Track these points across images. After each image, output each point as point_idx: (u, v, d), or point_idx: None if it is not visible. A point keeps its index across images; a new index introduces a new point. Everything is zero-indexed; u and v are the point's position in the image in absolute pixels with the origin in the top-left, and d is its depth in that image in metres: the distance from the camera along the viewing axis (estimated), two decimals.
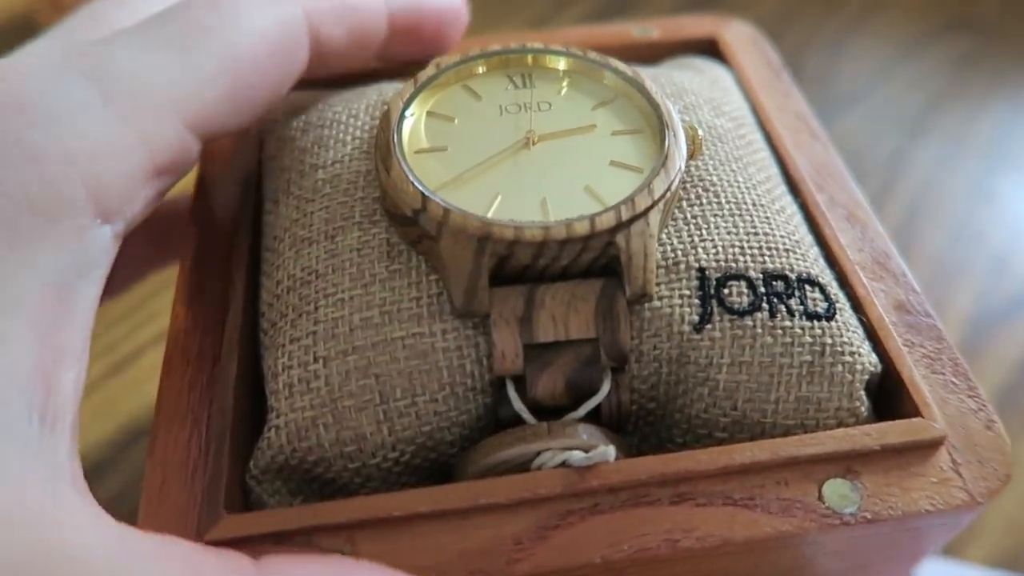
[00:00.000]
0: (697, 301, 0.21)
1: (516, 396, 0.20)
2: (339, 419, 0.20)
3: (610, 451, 0.19)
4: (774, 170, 0.25)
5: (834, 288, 0.22)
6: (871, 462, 0.20)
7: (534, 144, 0.22)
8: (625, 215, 0.20)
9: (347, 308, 0.21)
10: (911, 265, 0.48)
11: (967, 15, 0.54)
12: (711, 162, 0.23)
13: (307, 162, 0.24)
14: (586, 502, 0.19)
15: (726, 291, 0.21)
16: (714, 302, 0.21)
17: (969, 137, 0.48)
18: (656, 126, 0.22)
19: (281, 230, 0.23)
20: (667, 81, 0.26)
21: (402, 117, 0.22)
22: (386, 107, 0.22)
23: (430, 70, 0.23)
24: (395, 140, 0.21)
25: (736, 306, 0.21)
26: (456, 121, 0.23)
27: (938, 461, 0.20)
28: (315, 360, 0.20)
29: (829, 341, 0.21)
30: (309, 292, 0.21)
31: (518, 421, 0.20)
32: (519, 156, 0.22)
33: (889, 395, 0.21)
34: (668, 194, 0.21)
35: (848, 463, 0.20)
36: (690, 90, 0.25)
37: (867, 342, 0.22)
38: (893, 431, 0.20)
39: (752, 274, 0.21)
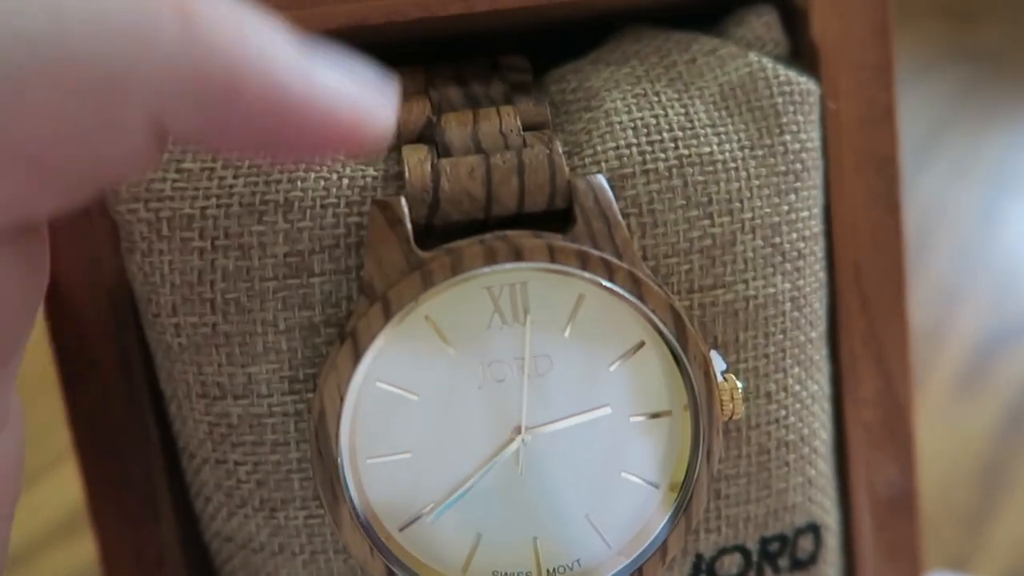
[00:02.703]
0: None
1: None
2: None
3: None
4: (824, 324, 0.20)
5: (829, 516, 0.21)
6: None
7: (524, 441, 0.17)
8: None
9: None
10: (917, 290, 0.48)
11: (968, 45, 0.53)
12: (756, 365, 0.19)
13: (207, 374, 0.18)
14: None
15: (718, 563, 0.20)
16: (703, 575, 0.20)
17: (971, 163, 0.44)
18: (686, 402, 0.17)
19: (196, 459, 0.19)
20: (695, 155, 0.18)
21: (344, 407, 0.16)
22: (319, 403, 0.16)
23: (376, 320, 0.16)
24: (340, 463, 0.16)
25: (724, 575, 0.20)
26: (419, 397, 0.17)
27: None
28: None
29: None
30: (257, 562, 0.19)
31: None
32: (505, 473, 0.17)
33: None
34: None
35: None
36: (731, 177, 0.18)
37: (837, 561, 0.21)
38: None
39: (750, 545, 0.20)
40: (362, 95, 0.13)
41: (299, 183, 0.18)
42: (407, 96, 0.18)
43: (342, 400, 0.16)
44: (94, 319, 0.19)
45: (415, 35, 0.20)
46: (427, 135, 0.18)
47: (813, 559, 0.21)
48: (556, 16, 0.20)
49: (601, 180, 0.17)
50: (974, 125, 0.50)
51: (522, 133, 0.17)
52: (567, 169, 0.17)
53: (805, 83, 0.19)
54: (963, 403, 0.40)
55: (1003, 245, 0.45)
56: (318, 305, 0.18)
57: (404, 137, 0.18)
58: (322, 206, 0.18)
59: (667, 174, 0.18)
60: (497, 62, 0.19)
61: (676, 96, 0.19)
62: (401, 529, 0.17)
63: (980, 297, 0.43)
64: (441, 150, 0.17)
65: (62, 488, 0.34)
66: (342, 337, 0.16)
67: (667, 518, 0.17)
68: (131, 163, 0.13)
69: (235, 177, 0.18)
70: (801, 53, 0.20)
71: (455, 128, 0.17)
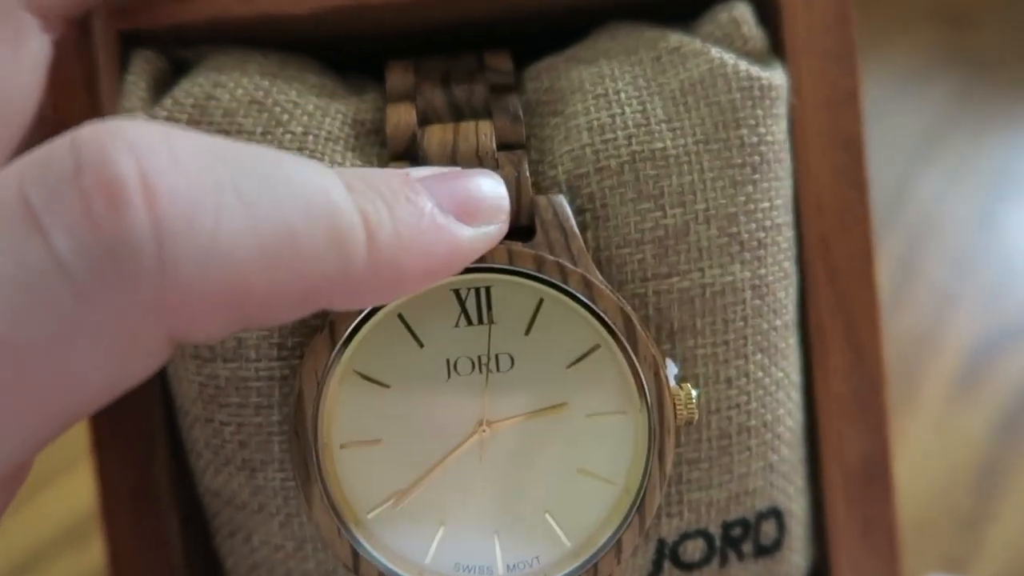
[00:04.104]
0: (650, 565, 0.20)
1: None
2: None
3: None
4: (791, 312, 0.21)
5: (794, 503, 0.21)
6: None
7: (486, 434, 0.18)
8: None
9: (281, 553, 0.20)
10: (913, 294, 0.48)
11: (964, 49, 0.54)
12: (715, 351, 0.19)
13: None
14: None
15: (681, 548, 0.20)
16: (667, 562, 0.20)
17: (968, 168, 0.43)
18: (639, 403, 0.18)
19: (189, 410, 0.20)
20: (663, 165, 0.19)
21: (321, 391, 0.17)
22: (298, 387, 0.17)
23: (352, 313, 0.17)
24: (315, 445, 0.17)
25: (688, 561, 0.20)
26: (392, 388, 0.18)
27: None
28: None
29: None
30: (240, 519, 0.20)
31: None
32: (468, 464, 0.18)
33: (816, 559, 0.22)
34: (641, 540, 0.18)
35: None
36: (683, 170, 0.19)
37: (804, 549, 0.22)
38: None
39: (712, 529, 0.20)
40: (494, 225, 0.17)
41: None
42: (395, 99, 0.20)
43: (319, 384, 0.17)
44: None
45: (409, 23, 0.21)
46: (411, 150, 0.19)
47: (777, 545, 0.21)
48: (543, 7, 0.21)
49: (561, 199, 0.18)
50: (971, 129, 0.49)
51: (496, 155, 0.18)
52: (531, 190, 0.18)
53: (768, 78, 0.20)
54: (959, 406, 0.40)
55: (1000, 249, 0.45)
56: None
57: (390, 150, 0.19)
58: None
59: (619, 170, 0.19)
60: (483, 61, 0.20)
61: (636, 94, 0.20)
62: (369, 514, 0.18)
63: (976, 301, 0.43)
64: (422, 165, 0.18)
65: (70, 494, 0.35)
66: (322, 326, 0.18)
67: (622, 517, 0.18)
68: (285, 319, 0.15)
69: None
70: (777, 45, 0.21)
71: (436, 147, 0.19)
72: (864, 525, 0.22)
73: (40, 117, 0.20)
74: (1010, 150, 0.49)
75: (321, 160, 0.19)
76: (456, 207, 0.16)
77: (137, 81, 0.20)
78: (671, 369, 0.18)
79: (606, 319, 0.18)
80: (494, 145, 0.19)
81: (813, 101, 0.21)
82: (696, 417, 0.18)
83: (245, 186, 0.13)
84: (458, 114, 0.19)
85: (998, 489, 0.38)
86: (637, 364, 0.18)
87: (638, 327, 0.18)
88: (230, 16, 0.20)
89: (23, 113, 0.19)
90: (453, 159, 0.18)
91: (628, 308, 0.18)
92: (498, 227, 0.17)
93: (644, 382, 0.18)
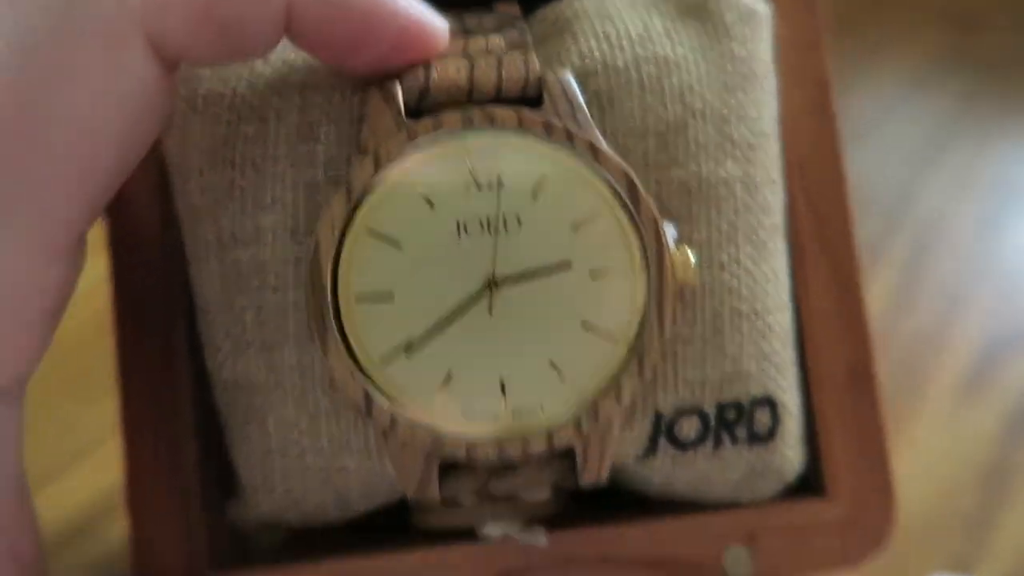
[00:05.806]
0: (647, 440, 0.22)
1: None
2: (303, 514, 0.22)
3: (540, 538, 0.22)
4: (778, 217, 0.23)
5: (787, 395, 0.22)
6: (771, 532, 0.23)
7: (495, 289, 0.19)
8: (586, 426, 0.19)
9: (295, 431, 0.21)
10: (920, 296, 0.47)
11: (970, 52, 0.54)
12: (709, 236, 0.21)
13: (223, 225, 0.21)
14: (522, 561, 0.22)
15: (677, 427, 0.22)
16: (663, 438, 0.22)
17: (975, 171, 0.46)
18: (640, 263, 0.19)
19: (211, 302, 0.22)
20: (654, 69, 0.21)
21: (338, 251, 0.19)
22: (315, 240, 0.19)
23: (367, 169, 0.19)
24: (329, 298, 0.19)
25: (683, 439, 0.22)
26: (403, 247, 0.19)
27: (829, 531, 0.23)
28: (273, 471, 0.22)
29: (760, 466, 0.22)
30: (255, 403, 0.21)
31: None
32: (477, 316, 0.19)
33: (808, 466, 0.24)
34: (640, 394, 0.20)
35: (752, 531, 0.23)
36: (682, 72, 0.21)
37: (798, 446, 0.23)
38: (798, 513, 0.23)
39: (706, 408, 0.22)
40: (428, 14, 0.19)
41: (315, 71, 0.21)
42: None
43: (334, 236, 0.19)
44: (140, 187, 0.23)
45: None
46: None
47: (771, 434, 0.22)
48: None
49: (568, 77, 0.20)
50: (978, 133, 0.50)
51: (504, 51, 0.20)
52: (538, 68, 0.20)
53: (752, 4, 0.23)
54: (966, 407, 0.40)
55: (1006, 252, 0.45)
56: (322, 166, 0.21)
57: None
58: (331, 87, 0.21)
59: (625, 69, 0.21)
60: (492, 8, 0.23)
61: (636, 14, 0.22)
62: (381, 361, 0.19)
63: (983, 303, 0.43)
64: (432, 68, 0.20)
65: (76, 488, 0.35)
66: (338, 186, 0.19)
67: (622, 364, 0.19)
68: (264, 41, 0.18)
69: (264, 64, 0.21)
70: None
71: (448, 44, 0.20)
72: (856, 431, 0.23)
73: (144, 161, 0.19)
74: (1017, 154, 0.50)
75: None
76: None
77: None
78: (670, 232, 0.20)
79: (611, 181, 0.19)
80: (503, 43, 0.20)
81: (783, 40, 0.23)
82: (695, 278, 0.19)
83: None
84: (468, 34, 0.21)
85: (1005, 490, 0.38)
86: (639, 224, 0.19)
87: (640, 189, 0.19)
88: None
89: (107, 152, 0.18)
90: (466, 53, 0.20)
91: (631, 172, 0.19)
92: None
93: (645, 241, 0.19)
